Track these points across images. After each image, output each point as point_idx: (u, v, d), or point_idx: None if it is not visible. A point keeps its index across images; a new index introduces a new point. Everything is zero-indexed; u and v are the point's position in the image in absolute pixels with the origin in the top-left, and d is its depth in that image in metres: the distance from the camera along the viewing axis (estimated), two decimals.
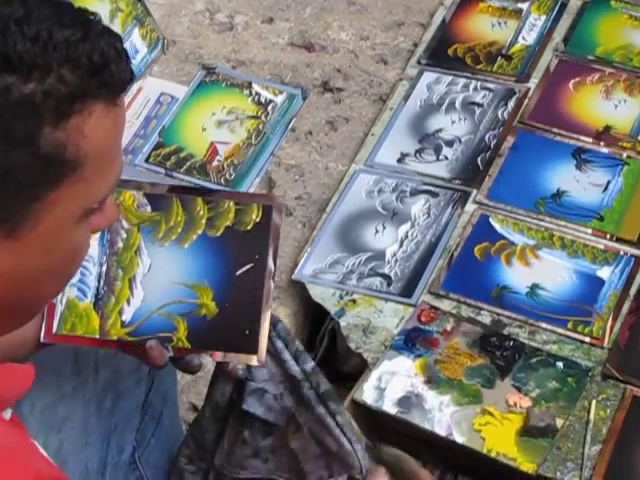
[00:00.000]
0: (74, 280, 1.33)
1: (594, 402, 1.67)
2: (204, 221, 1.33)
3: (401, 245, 1.90)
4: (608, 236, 1.89)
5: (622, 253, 1.86)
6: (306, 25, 2.36)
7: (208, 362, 1.52)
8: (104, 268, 1.34)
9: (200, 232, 1.33)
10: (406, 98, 2.16)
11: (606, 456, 1.61)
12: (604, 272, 1.84)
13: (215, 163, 2.09)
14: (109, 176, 0.92)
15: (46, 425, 1.40)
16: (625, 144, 2.03)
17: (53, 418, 1.42)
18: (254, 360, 1.31)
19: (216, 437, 1.39)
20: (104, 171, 0.91)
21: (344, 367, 1.88)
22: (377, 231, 1.93)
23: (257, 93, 2.20)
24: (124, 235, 1.34)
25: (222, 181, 2.06)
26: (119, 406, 1.48)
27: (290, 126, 2.16)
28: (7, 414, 0.93)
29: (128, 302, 1.33)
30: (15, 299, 0.93)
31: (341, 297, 1.84)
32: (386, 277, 1.86)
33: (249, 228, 1.32)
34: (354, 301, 1.83)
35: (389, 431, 1.74)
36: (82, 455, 1.44)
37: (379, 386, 1.70)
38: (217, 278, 1.32)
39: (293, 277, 1.88)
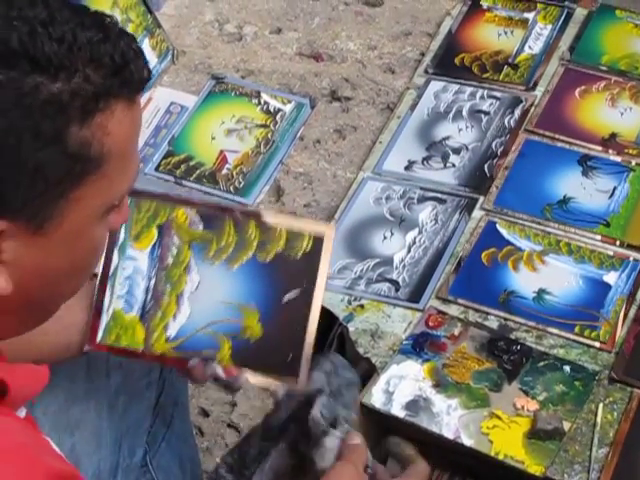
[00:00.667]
0: (122, 292, 1.35)
1: (601, 405, 1.68)
2: (255, 244, 1.34)
3: (409, 251, 1.92)
4: (618, 243, 1.90)
5: (632, 259, 1.87)
6: (314, 35, 2.38)
7: None
8: (152, 282, 1.36)
9: (250, 254, 1.34)
10: (413, 107, 2.18)
11: (613, 459, 1.62)
12: (610, 277, 1.85)
13: (224, 171, 2.11)
14: (129, 173, 0.95)
15: (59, 428, 1.42)
16: (631, 151, 2.05)
17: (65, 421, 1.44)
18: (294, 384, 1.32)
19: (257, 455, 1.39)
20: (125, 168, 0.94)
21: None
22: (385, 237, 1.95)
23: (266, 102, 2.23)
24: (175, 251, 1.36)
25: (231, 189, 2.08)
26: (130, 409, 1.50)
27: (298, 135, 2.18)
28: (22, 413, 0.95)
29: (174, 318, 1.35)
30: (38, 296, 0.95)
31: (349, 302, 1.86)
32: (394, 283, 1.87)
33: (299, 256, 1.34)
34: (362, 306, 1.85)
35: (397, 434, 1.75)
36: (94, 458, 1.45)
37: (387, 390, 1.72)
38: (264, 302, 1.33)
39: None
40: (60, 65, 0.86)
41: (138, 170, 0.98)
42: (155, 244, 1.36)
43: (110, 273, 1.36)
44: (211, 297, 1.34)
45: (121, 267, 1.36)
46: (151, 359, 1.35)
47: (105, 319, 1.33)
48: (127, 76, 0.91)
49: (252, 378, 1.33)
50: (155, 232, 1.37)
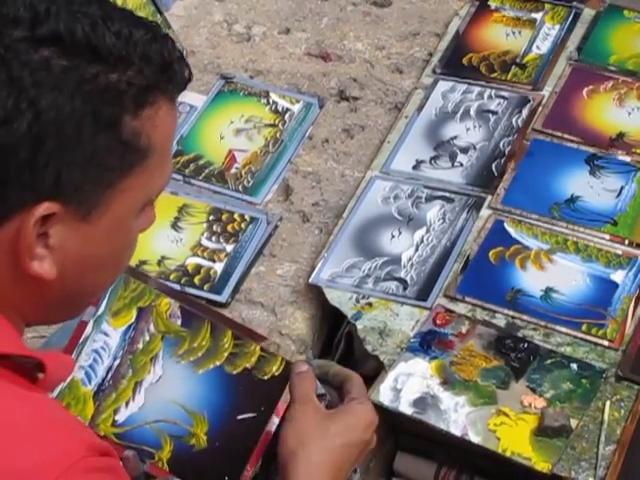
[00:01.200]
0: (85, 363, 1.35)
1: (608, 403, 1.68)
2: (226, 354, 1.33)
3: (417, 250, 1.93)
4: (627, 242, 1.90)
5: (639, 258, 1.88)
6: (322, 35, 2.39)
7: None
8: (116, 362, 1.35)
9: (218, 363, 1.33)
10: (421, 106, 2.19)
11: (620, 456, 1.62)
12: (618, 276, 1.85)
13: (233, 170, 2.12)
14: (167, 170, 1.00)
15: None
16: (638, 150, 2.05)
17: None
18: None
19: None
20: (164, 164, 0.99)
21: (360, 370, 1.90)
22: (393, 236, 1.96)
23: (274, 102, 2.24)
24: (147, 338, 1.35)
25: (240, 188, 2.09)
26: None
27: (307, 134, 2.19)
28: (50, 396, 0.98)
29: (126, 404, 1.33)
30: (75, 285, 0.98)
31: (357, 301, 1.87)
32: (402, 281, 1.88)
33: (266, 378, 1.31)
34: (370, 304, 1.86)
35: (405, 432, 1.76)
36: None
37: (395, 387, 1.72)
38: (217, 415, 1.31)
39: (310, 281, 1.90)
40: (118, 57, 0.92)
41: (172, 170, 1.02)
42: (131, 325, 1.35)
43: (80, 341, 1.36)
44: (168, 394, 1.32)
45: (92, 338, 1.35)
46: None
47: (62, 384, 1.33)
48: (172, 75, 0.96)
49: None
50: (134, 313, 1.36)
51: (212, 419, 1.30)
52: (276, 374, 1.31)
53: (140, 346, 1.35)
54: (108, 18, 0.93)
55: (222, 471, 1.28)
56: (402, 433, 1.78)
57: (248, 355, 1.32)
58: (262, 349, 1.32)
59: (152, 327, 1.34)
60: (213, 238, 1.98)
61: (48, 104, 0.89)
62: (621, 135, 2.08)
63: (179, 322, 1.35)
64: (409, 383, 1.72)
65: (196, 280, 1.91)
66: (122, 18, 0.94)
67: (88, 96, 0.90)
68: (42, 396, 0.93)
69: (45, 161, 0.90)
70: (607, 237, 1.92)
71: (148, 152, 0.95)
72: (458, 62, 2.27)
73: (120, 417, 1.33)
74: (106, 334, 1.36)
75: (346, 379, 1.26)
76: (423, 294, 1.86)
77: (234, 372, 1.32)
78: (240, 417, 1.30)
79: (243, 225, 2.01)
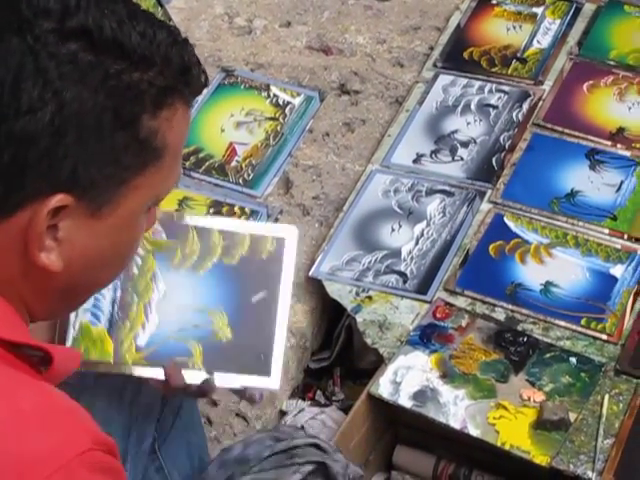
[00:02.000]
0: (87, 305, 1.36)
1: (607, 397, 1.69)
2: (220, 249, 1.36)
3: (417, 243, 1.93)
4: (626, 236, 1.91)
5: (639, 252, 1.88)
6: (324, 29, 2.39)
7: None
8: (119, 293, 1.36)
9: (216, 260, 1.36)
10: (422, 100, 2.19)
11: (618, 450, 1.63)
12: (617, 270, 1.86)
13: (234, 163, 2.12)
14: (176, 172, 1.00)
15: None
16: (638, 145, 2.05)
17: None
18: (268, 383, 1.34)
19: None
20: (175, 166, 0.99)
21: (360, 363, 1.91)
22: (393, 229, 1.96)
23: (275, 95, 2.24)
24: (139, 261, 1.37)
25: (240, 181, 2.09)
26: (139, 398, 1.51)
27: (307, 127, 2.19)
28: None
29: (143, 327, 1.35)
30: (79, 280, 0.99)
31: (357, 294, 1.87)
32: (402, 274, 1.89)
33: (264, 257, 1.36)
34: (370, 298, 1.86)
35: (404, 425, 1.77)
36: None
37: (395, 380, 1.73)
38: (232, 304, 1.35)
39: (310, 274, 1.91)
40: (142, 56, 0.92)
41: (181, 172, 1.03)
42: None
43: None
44: (179, 304, 1.35)
45: None
46: (121, 370, 1.36)
47: (72, 333, 1.34)
48: (190, 78, 0.97)
49: (224, 381, 1.34)
50: None
51: (229, 310, 1.35)
52: (272, 250, 1.36)
53: (135, 271, 1.37)
54: (134, 17, 0.94)
55: (256, 352, 1.34)
56: (401, 426, 1.78)
57: (240, 243, 1.37)
58: (251, 235, 1.36)
59: (140, 250, 1.36)
60: None
61: (72, 97, 0.89)
62: (621, 130, 2.08)
63: (164, 236, 1.37)
64: (409, 376, 1.73)
65: None
66: (146, 19, 0.95)
67: (111, 92, 0.91)
68: (50, 385, 0.94)
69: (64, 152, 0.90)
70: (606, 231, 1.92)
71: (163, 152, 0.95)
72: (459, 56, 2.27)
73: (142, 341, 1.35)
74: None
75: None
76: (423, 287, 1.86)
77: (233, 262, 1.36)
78: (254, 299, 1.35)
79: (243, 218, 2.01)
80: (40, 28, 0.90)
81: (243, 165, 2.12)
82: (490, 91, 2.19)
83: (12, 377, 0.90)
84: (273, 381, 1.34)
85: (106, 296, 1.36)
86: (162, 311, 1.35)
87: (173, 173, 0.99)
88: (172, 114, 0.95)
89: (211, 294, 1.35)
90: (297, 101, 2.23)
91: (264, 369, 1.34)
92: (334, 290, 1.88)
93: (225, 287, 1.35)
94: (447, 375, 1.73)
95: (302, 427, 1.79)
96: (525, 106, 2.15)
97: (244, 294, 1.35)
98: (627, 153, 2.05)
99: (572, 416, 1.66)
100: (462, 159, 2.07)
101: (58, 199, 0.91)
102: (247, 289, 1.36)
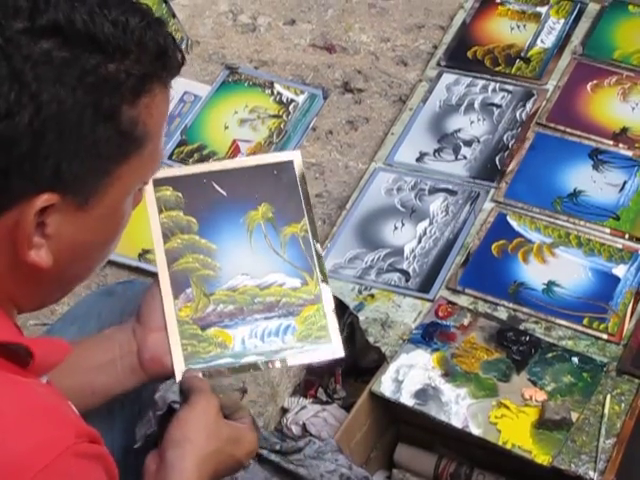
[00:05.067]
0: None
1: (609, 397, 1.69)
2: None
3: (419, 242, 1.93)
4: (627, 236, 1.91)
5: None
6: (327, 27, 2.40)
7: None
8: None
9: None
10: (425, 99, 2.19)
11: (619, 451, 1.63)
12: (619, 270, 1.86)
13: None
14: (159, 155, 1.01)
15: None
16: None
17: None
18: (334, 351, 1.31)
19: None
20: (157, 150, 0.99)
21: (362, 362, 1.91)
22: (396, 228, 1.96)
23: (279, 93, 2.24)
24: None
25: None
26: (143, 393, 1.51)
27: (311, 125, 2.19)
28: (44, 379, 0.98)
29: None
30: (69, 270, 1.00)
31: (360, 292, 1.87)
32: (404, 273, 1.89)
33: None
34: (373, 296, 1.86)
35: (406, 423, 1.77)
36: (105, 441, 1.47)
37: (397, 378, 1.73)
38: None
39: None
40: (116, 46, 0.92)
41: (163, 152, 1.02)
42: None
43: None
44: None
45: None
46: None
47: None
48: (167, 61, 0.96)
49: (294, 358, 1.31)
50: None
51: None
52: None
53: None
54: (104, 5, 0.92)
55: None
56: (403, 424, 1.78)
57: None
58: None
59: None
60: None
61: (49, 97, 0.89)
62: (625, 130, 2.08)
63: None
64: (410, 375, 1.73)
65: None
66: (118, 4, 0.93)
67: (89, 88, 0.90)
68: (33, 381, 0.94)
69: (46, 152, 0.90)
70: (608, 231, 1.92)
71: (144, 139, 0.95)
72: (463, 55, 2.27)
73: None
74: None
75: (241, 410, 1.27)
76: (425, 286, 1.86)
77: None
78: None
79: None
80: (11, 30, 0.89)
81: None
82: (494, 90, 2.19)
83: None
84: (336, 347, 1.30)
85: None
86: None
87: (157, 156, 0.99)
88: (151, 100, 0.95)
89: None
90: (301, 99, 2.23)
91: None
92: (336, 288, 1.88)
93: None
94: (449, 374, 1.73)
95: (304, 424, 1.80)
96: (529, 105, 2.15)
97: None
98: (630, 153, 2.05)
99: (574, 416, 1.66)
100: (465, 158, 2.07)
101: (44, 199, 0.91)
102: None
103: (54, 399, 0.93)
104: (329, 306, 1.32)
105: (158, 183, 1.32)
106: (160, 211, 1.32)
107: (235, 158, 1.47)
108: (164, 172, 1.33)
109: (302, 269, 1.33)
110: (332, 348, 1.31)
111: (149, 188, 1.30)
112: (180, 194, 1.33)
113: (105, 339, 1.32)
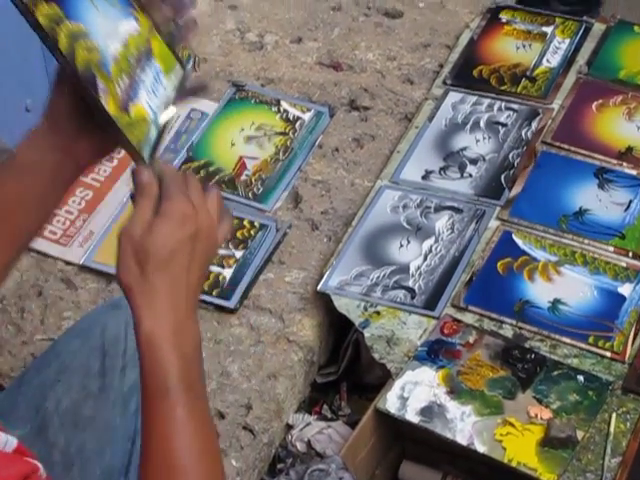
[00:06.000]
0: None
1: (614, 415, 1.69)
2: None
3: (425, 259, 1.94)
4: (631, 254, 1.91)
5: None
6: (334, 45, 2.41)
7: None
8: None
9: None
10: (431, 117, 2.20)
11: (624, 472, 1.63)
12: (625, 289, 1.86)
13: (243, 177, 2.13)
14: None
15: (70, 423, 1.43)
16: None
17: (78, 417, 1.44)
18: None
19: None
20: None
21: (367, 378, 1.91)
22: (402, 245, 1.97)
23: (285, 110, 2.25)
24: None
25: (250, 195, 2.10)
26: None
27: (317, 143, 2.20)
28: (13, 442, 0.93)
29: None
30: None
31: (365, 309, 1.87)
32: (410, 290, 1.89)
33: None
34: (378, 313, 1.87)
35: (411, 440, 1.77)
36: (105, 454, 1.46)
37: (402, 395, 1.73)
38: None
39: (318, 288, 1.91)
40: None
41: None
42: None
43: None
44: None
45: None
46: None
47: None
48: None
49: None
50: None
51: None
52: None
53: None
54: None
55: None
56: (408, 441, 1.78)
57: None
58: None
59: None
60: (222, 244, 1.98)
61: None
62: (630, 149, 2.09)
63: None
64: (416, 392, 1.73)
65: (205, 285, 1.92)
66: None
67: None
68: None
69: None
70: (611, 249, 1.92)
71: None
72: (469, 74, 2.28)
73: None
74: None
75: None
76: (431, 303, 1.87)
77: None
78: None
79: (252, 232, 2.02)
80: None
81: (253, 179, 2.13)
82: (499, 109, 2.20)
83: None
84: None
85: None
86: None
87: None
88: None
89: None
90: (307, 116, 2.24)
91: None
92: (342, 305, 1.89)
93: None
94: (454, 391, 1.73)
95: (308, 441, 1.80)
96: (534, 124, 2.15)
97: None
98: (635, 172, 2.05)
99: (579, 434, 1.66)
100: (471, 176, 2.08)
101: None
102: None
103: None
104: (163, 36, 1.21)
105: None
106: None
107: None
108: None
109: (130, 8, 1.19)
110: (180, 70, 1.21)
111: None
112: None
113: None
